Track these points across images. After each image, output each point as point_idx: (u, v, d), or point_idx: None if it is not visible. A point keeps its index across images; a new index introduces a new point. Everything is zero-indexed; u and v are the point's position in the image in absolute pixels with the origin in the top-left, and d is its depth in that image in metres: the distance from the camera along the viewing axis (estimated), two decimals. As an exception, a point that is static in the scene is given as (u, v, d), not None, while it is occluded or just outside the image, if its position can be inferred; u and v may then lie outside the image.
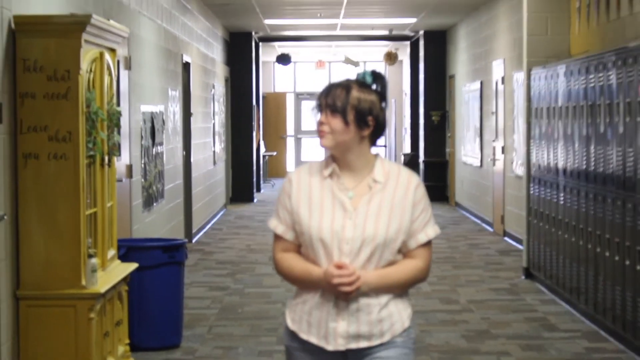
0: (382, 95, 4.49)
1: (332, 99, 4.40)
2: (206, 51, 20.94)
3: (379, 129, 4.45)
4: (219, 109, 23.54)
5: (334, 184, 4.43)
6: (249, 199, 26.46)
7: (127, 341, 9.32)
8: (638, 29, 11.24)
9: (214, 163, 22.30)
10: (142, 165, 12.92)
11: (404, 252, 4.44)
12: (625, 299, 9.86)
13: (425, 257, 4.45)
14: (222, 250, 17.45)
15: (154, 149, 13.75)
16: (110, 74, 8.86)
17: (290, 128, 36.90)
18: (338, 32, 27.12)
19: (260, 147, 29.38)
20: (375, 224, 4.35)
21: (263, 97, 32.07)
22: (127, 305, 9.40)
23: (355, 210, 4.37)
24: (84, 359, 7.98)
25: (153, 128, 13.65)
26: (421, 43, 27.16)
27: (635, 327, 9.56)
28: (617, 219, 10.11)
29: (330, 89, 4.45)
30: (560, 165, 12.43)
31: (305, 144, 38.42)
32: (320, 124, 4.44)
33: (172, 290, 10.17)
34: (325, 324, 4.35)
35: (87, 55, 8.11)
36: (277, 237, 4.53)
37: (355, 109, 4.39)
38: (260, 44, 29.34)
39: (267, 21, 24.00)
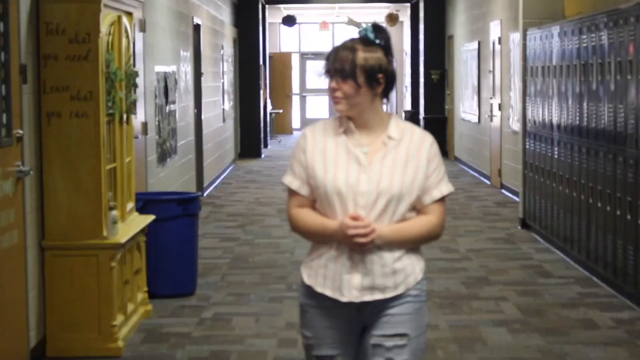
0: (387, 49, 4.34)
1: (340, 64, 4.23)
2: (215, 13, 20.83)
3: (389, 84, 4.32)
4: (228, 68, 23.54)
5: (349, 140, 4.27)
6: (257, 154, 26.50)
7: (146, 289, 9.48)
8: None
9: (223, 120, 22.33)
10: (157, 122, 12.97)
11: (418, 208, 4.30)
12: (616, 247, 9.94)
13: (440, 213, 4.32)
14: (232, 203, 17.51)
15: (167, 107, 13.80)
16: (127, 37, 8.96)
17: (295, 86, 36.91)
18: None
19: (267, 105, 29.42)
20: (390, 177, 4.21)
21: (269, 57, 32.02)
22: (145, 254, 9.54)
23: (370, 165, 4.22)
24: (105, 305, 8.10)
25: (166, 87, 13.69)
26: (421, 5, 27.15)
27: (626, 273, 9.64)
28: (609, 171, 10.17)
29: (337, 53, 4.28)
30: (555, 121, 12.48)
31: (310, 101, 38.49)
32: (332, 90, 4.27)
33: (187, 241, 10.22)
34: (340, 276, 4.23)
35: (106, 19, 8.18)
36: (292, 193, 4.38)
37: (364, 70, 4.21)
38: (267, 6, 29.29)
39: None
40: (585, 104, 11.12)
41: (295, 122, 36.44)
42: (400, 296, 4.23)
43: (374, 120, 4.28)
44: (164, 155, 13.53)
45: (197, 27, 17.44)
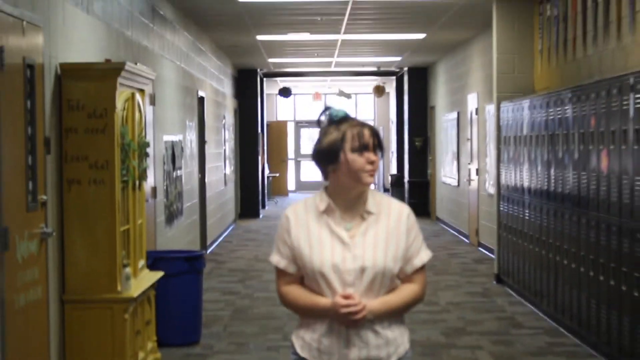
0: None
1: (379, 141, 4.10)
2: (218, 86, 20.90)
3: None
4: (229, 136, 23.46)
5: (330, 218, 4.10)
6: (256, 214, 26.41)
7: (155, 338, 9.40)
8: (591, 69, 11.29)
9: (225, 184, 22.24)
10: (165, 187, 12.98)
11: (401, 277, 4.16)
12: (581, 300, 9.96)
13: (422, 280, 4.19)
14: (233, 260, 17.44)
15: (174, 173, 13.78)
16: (139, 111, 8.95)
17: (290, 152, 36.72)
18: (333, 68, 27.10)
19: (264, 169, 29.26)
20: (373, 253, 4.05)
21: (267, 125, 31.88)
22: (155, 307, 9.47)
23: (352, 242, 4.06)
24: (119, 353, 8.05)
25: (173, 154, 13.69)
26: (405, 78, 27.15)
27: (590, 325, 9.65)
28: (574, 232, 10.20)
29: (372, 130, 4.10)
30: (526, 185, 12.50)
31: (304, 165, 38.22)
32: (374, 162, 4.07)
33: (193, 295, 10.21)
34: (337, 350, 4.06)
35: (121, 96, 8.21)
36: (280, 272, 4.20)
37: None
38: (265, 79, 29.24)
39: (271, 60, 23.99)
40: (552, 171, 11.14)
41: (291, 185, 36.39)
42: None
43: (357, 195, 4.11)
44: (171, 217, 13.52)
45: (201, 100, 17.46)
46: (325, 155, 4.07)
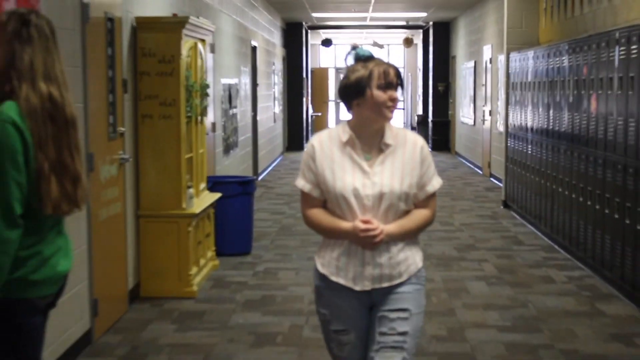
0: None
1: (399, 80, 3.91)
2: (268, 37, 20.86)
3: None
4: (278, 80, 23.43)
5: (351, 149, 3.89)
6: (301, 148, 26.25)
7: (214, 248, 9.65)
8: (586, 25, 11.30)
9: (274, 121, 22.28)
10: (223, 123, 13.10)
11: (414, 202, 3.95)
12: (572, 222, 10.09)
13: (433, 205, 4.03)
14: (280, 185, 17.51)
15: (230, 111, 13.91)
16: (201, 58, 9.07)
17: (331, 95, 36.72)
18: (368, 22, 26.82)
19: (308, 109, 29.21)
20: (390, 181, 3.85)
21: (311, 71, 31.71)
22: (214, 222, 9.70)
23: (372, 170, 3.86)
24: (184, 259, 8.30)
25: (230, 95, 13.79)
26: (431, 31, 27.02)
27: (578, 242, 9.80)
28: (568, 164, 10.31)
29: (395, 69, 3.92)
30: (529, 124, 12.54)
31: (342, 106, 38.30)
32: (396, 99, 3.88)
33: (245, 213, 10.29)
34: (353, 268, 3.90)
35: (185, 45, 8.34)
36: (304, 195, 3.98)
37: None
38: (309, 31, 29.04)
39: (314, 14, 23.82)
40: (551, 112, 11.21)
41: (331, 123, 36.28)
42: (404, 282, 3.95)
43: (376, 128, 3.92)
44: (228, 148, 13.65)
45: (254, 49, 17.49)
46: (352, 90, 3.88)
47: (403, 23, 27.51)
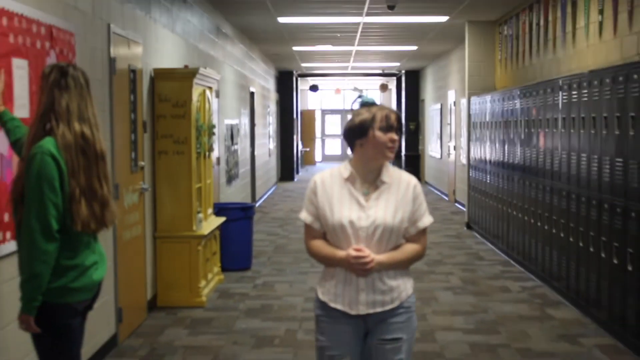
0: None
1: (399, 124, 3.72)
2: (264, 84, 20.83)
3: None
4: (272, 120, 23.38)
5: (351, 185, 3.71)
6: (292, 178, 26.31)
7: (219, 265, 9.60)
8: (535, 73, 11.28)
9: (269, 155, 22.17)
10: (226, 157, 13.06)
11: (406, 237, 3.74)
12: (525, 240, 10.09)
13: (423, 240, 3.79)
14: (275, 211, 17.36)
15: (232, 147, 13.86)
16: (209, 102, 9.07)
17: (318, 132, 36.62)
18: (349, 70, 26.84)
19: (298, 144, 29.22)
20: (384, 214, 3.65)
21: (300, 112, 31.75)
22: (219, 242, 9.68)
23: (367, 205, 3.67)
24: (194, 274, 8.30)
25: (232, 134, 13.77)
26: (403, 78, 26.98)
27: (530, 258, 9.80)
28: (520, 191, 10.28)
29: (395, 115, 3.73)
30: (488, 157, 12.49)
31: (328, 142, 37.96)
32: (395, 141, 3.69)
33: (246, 234, 10.23)
34: (349, 294, 3.69)
35: (196, 92, 8.39)
36: (307, 227, 3.80)
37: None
38: (299, 78, 29.12)
39: (303, 64, 23.80)
40: (506, 147, 11.18)
41: (318, 157, 36.28)
42: (396, 308, 3.72)
43: (376, 167, 3.75)
44: (230, 179, 13.60)
45: (252, 94, 17.47)
46: (356, 131, 3.70)
47: (379, 71, 27.51)
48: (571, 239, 8.20)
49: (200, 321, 7.74)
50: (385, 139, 3.66)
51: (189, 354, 6.66)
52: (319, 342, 3.79)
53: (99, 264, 3.90)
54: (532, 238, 9.79)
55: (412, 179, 3.79)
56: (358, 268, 3.60)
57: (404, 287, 3.74)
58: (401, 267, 3.73)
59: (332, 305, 3.72)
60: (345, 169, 3.75)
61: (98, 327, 6.33)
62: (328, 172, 3.81)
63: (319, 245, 3.75)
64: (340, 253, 3.66)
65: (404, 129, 3.41)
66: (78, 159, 3.72)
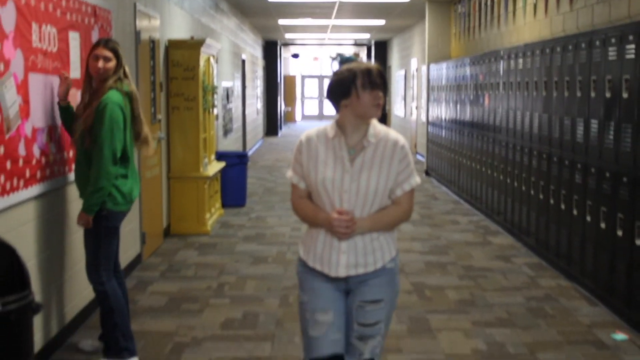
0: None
1: (384, 82, 3.18)
2: (253, 52, 20.92)
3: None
4: (260, 84, 23.42)
5: (337, 144, 3.18)
6: (276, 133, 26.50)
7: (220, 201, 9.89)
8: (482, 45, 11.50)
9: (257, 114, 22.32)
10: (223, 114, 13.18)
11: (391, 198, 3.20)
12: (472, 183, 10.47)
13: (409, 202, 3.23)
14: (263, 160, 17.52)
15: (228, 106, 13.98)
16: (212, 67, 9.36)
17: (298, 94, 36.68)
18: (326, 41, 26.95)
19: (282, 105, 29.24)
20: (368, 176, 3.13)
21: (283, 77, 31.77)
22: (220, 183, 9.93)
23: (352, 165, 3.15)
24: (201, 208, 8.63)
25: (227, 94, 13.89)
26: (373, 48, 27.07)
27: (476, 197, 10.17)
28: (469, 143, 10.62)
29: (379, 72, 3.18)
30: (443, 116, 12.73)
31: (307, 103, 38.09)
32: (380, 98, 3.15)
33: (241, 177, 10.46)
34: (329, 255, 3.20)
35: (202, 58, 8.66)
36: (294, 185, 3.31)
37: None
38: (282, 47, 29.11)
39: (287, 35, 23.80)
40: (458, 106, 11.45)
41: (298, 116, 36.40)
42: (378, 270, 3.22)
43: (363, 126, 3.21)
44: (226, 132, 13.76)
45: (243, 61, 17.55)
46: (339, 92, 3.19)
47: (352, 42, 27.61)
48: (508, 181, 8.69)
49: (206, 245, 8.16)
50: (369, 98, 3.16)
51: (200, 269, 7.13)
52: (301, 300, 3.33)
53: (137, 185, 4.69)
54: (478, 181, 10.18)
55: (399, 138, 3.24)
56: (339, 231, 3.13)
57: (387, 248, 3.26)
58: (385, 229, 3.23)
59: (311, 264, 3.27)
60: (331, 128, 3.24)
61: (128, 246, 6.79)
62: (314, 130, 3.30)
63: (303, 204, 3.29)
64: (322, 214, 3.20)
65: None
66: (138, 105, 4.59)
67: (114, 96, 4.46)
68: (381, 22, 19.04)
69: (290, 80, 34.72)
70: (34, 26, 4.45)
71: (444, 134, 12.73)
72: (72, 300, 5.26)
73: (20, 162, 4.27)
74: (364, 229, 3.15)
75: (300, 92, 37.85)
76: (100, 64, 4.48)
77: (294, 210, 3.35)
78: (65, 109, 4.66)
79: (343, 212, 3.12)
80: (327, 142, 3.22)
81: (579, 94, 6.46)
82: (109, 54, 4.52)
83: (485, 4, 11.48)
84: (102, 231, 4.51)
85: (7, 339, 2.94)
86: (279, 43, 27.22)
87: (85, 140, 4.43)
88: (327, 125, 3.27)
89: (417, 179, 3.25)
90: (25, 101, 4.33)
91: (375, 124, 3.23)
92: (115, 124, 4.41)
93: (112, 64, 4.53)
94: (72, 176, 5.09)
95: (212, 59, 9.42)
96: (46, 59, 4.65)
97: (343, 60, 3.34)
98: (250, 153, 19.00)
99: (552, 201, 7.17)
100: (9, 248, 3.05)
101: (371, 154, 3.17)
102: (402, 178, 3.20)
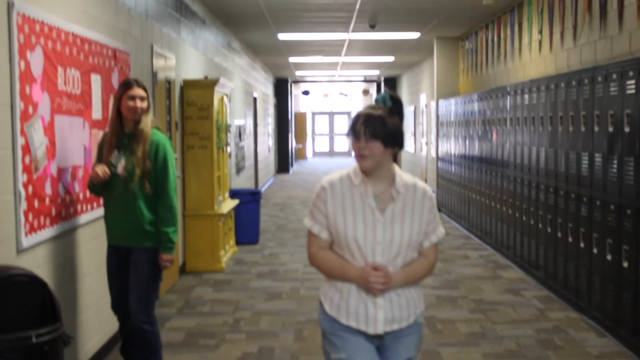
0: (400, 115, 3.02)
1: (371, 127, 2.92)
2: (264, 90, 21.03)
3: (400, 145, 3.03)
4: (271, 121, 23.53)
5: (363, 192, 2.98)
6: (287, 171, 26.52)
7: (234, 238, 9.99)
8: (490, 81, 11.65)
9: (269, 151, 22.42)
10: (235, 152, 13.26)
11: (419, 250, 3.07)
12: (482, 218, 10.51)
13: (435, 254, 3.11)
14: (274, 197, 17.66)
15: (240, 144, 14.09)
16: (225, 106, 9.49)
17: (309, 131, 36.79)
18: (336, 78, 27.01)
19: (293, 142, 29.34)
20: (401, 227, 2.97)
21: (294, 114, 31.83)
22: (234, 220, 10.05)
23: (383, 215, 2.96)
24: (215, 245, 8.73)
25: (240, 132, 14.03)
26: (382, 84, 27.07)
27: (487, 232, 10.23)
28: (478, 178, 10.71)
29: (368, 119, 2.94)
30: (452, 151, 12.82)
31: (317, 140, 38.20)
32: (360, 148, 2.95)
33: (254, 215, 10.61)
34: (365, 311, 2.99)
35: (216, 98, 8.80)
36: (312, 235, 3.08)
37: (390, 134, 2.96)
38: (293, 84, 29.22)
39: (297, 72, 23.93)
40: (467, 142, 11.56)
41: (309, 153, 36.47)
42: (411, 324, 3.08)
43: (385, 174, 3.01)
44: (239, 170, 13.84)
45: (255, 99, 17.68)
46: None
47: (362, 78, 27.68)
48: (517, 215, 8.81)
49: (221, 282, 8.30)
50: (354, 148, 3.00)
51: (216, 305, 7.27)
52: (333, 356, 3.07)
53: None
54: (487, 216, 10.28)
55: (427, 189, 3.11)
56: (376, 287, 2.94)
57: (418, 302, 3.12)
58: (416, 282, 3.10)
59: (344, 322, 3.03)
60: (355, 174, 3.03)
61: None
62: (337, 175, 3.07)
63: (327, 257, 3.05)
64: (353, 269, 2.98)
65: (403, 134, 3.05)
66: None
67: (161, 136, 4.63)
68: (390, 58, 19.17)
69: (301, 117, 34.84)
70: (60, 70, 4.69)
71: (453, 169, 12.82)
72: (92, 338, 5.43)
73: (47, 201, 4.48)
74: (399, 283, 3.01)
75: (311, 128, 37.96)
76: (138, 103, 4.56)
77: (313, 262, 3.10)
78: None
79: (379, 268, 2.94)
80: (352, 189, 3.02)
81: (583, 128, 6.65)
82: (143, 93, 4.61)
83: (492, 40, 11.68)
84: (157, 270, 4.63)
85: (40, 368, 3.13)
86: (289, 80, 27.35)
87: (144, 185, 4.51)
88: (349, 169, 3.07)
89: (442, 230, 3.15)
90: (52, 142, 4.55)
91: (399, 172, 3.07)
92: (171, 163, 4.60)
93: (146, 102, 4.63)
94: (93, 214, 5.29)
95: (225, 98, 9.60)
96: (70, 101, 4.89)
97: (377, 99, 3.08)
98: (262, 190, 19.01)
99: (559, 234, 7.32)
100: (41, 282, 3.25)
101: (401, 204, 3.02)
102: (430, 229, 3.09)
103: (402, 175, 3.07)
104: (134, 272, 4.58)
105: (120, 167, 4.55)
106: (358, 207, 2.99)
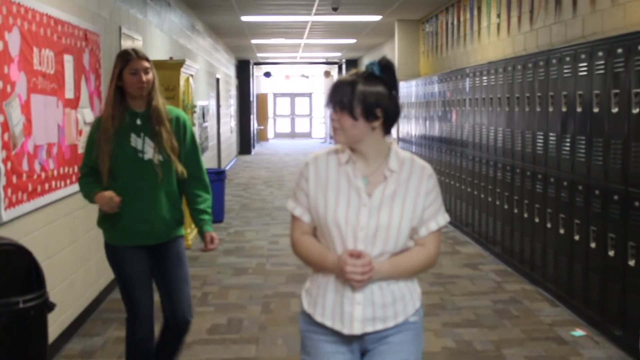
0: (390, 84, 2.55)
1: (339, 96, 2.50)
2: (227, 71, 21.08)
3: (389, 118, 2.55)
4: (233, 102, 23.53)
5: (350, 170, 2.56)
6: (249, 152, 26.50)
7: None
8: (449, 63, 11.85)
9: (231, 132, 22.48)
10: (199, 132, 12.94)
11: (414, 238, 2.58)
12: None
13: (436, 244, 2.59)
14: (237, 177, 17.66)
15: (204, 124, 13.98)
16: (190, 87, 9.50)
17: (270, 113, 36.71)
18: (298, 60, 27.16)
19: (254, 123, 29.27)
20: (389, 211, 2.51)
21: (256, 95, 31.80)
22: None
23: (370, 198, 2.52)
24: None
25: (203, 113, 13.94)
26: (344, 66, 27.32)
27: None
28: (438, 157, 10.86)
29: (338, 86, 2.53)
30: (413, 132, 12.94)
31: (278, 122, 38.05)
32: (332, 120, 2.54)
33: (219, 193, 10.58)
34: (341, 307, 2.55)
35: (182, 78, 8.86)
36: (295, 219, 2.67)
37: (362, 103, 2.48)
38: (255, 66, 29.24)
39: (259, 54, 24.03)
40: (427, 123, 11.67)
41: (270, 134, 36.47)
42: (400, 325, 2.60)
43: (372, 151, 2.56)
44: (203, 150, 13.51)
45: (217, 80, 17.77)
46: None
47: (323, 60, 27.86)
48: (475, 193, 9.06)
49: (189, 258, 7.99)
50: (331, 121, 2.60)
51: None
52: None
53: None
54: (447, 194, 10.48)
55: (426, 167, 2.63)
56: (354, 278, 2.46)
57: (410, 298, 2.63)
58: (406, 276, 2.60)
59: (319, 319, 2.62)
60: (342, 150, 2.63)
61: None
62: (324, 152, 2.67)
63: (307, 242, 2.64)
64: (332, 256, 2.54)
65: (395, 107, 2.54)
66: None
67: (179, 110, 3.95)
68: (352, 40, 19.30)
69: (262, 99, 34.86)
70: (35, 50, 4.82)
71: (414, 149, 12.97)
72: (65, 311, 5.57)
73: (24, 177, 4.63)
74: (382, 275, 2.52)
75: (272, 110, 37.93)
76: (143, 76, 3.78)
77: (295, 250, 2.68)
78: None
79: (356, 254, 2.46)
80: (338, 167, 2.60)
81: (538, 109, 6.92)
82: (146, 64, 3.81)
83: (452, 23, 11.87)
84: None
85: (27, 331, 3.31)
86: (251, 62, 27.41)
87: (177, 166, 3.83)
88: (338, 146, 2.65)
89: (445, 217, 2.65)
90: (28, 120, 4.69)
91: (396, 149, 2.62)
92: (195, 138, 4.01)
93: (151, 73, 3.84)
94: (67, 190, 5.43)
95: (191, 79, 9.68)
96: (45, 80, 5.02)
97: (366, 65, 2.63)
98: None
99: (516, 210, 7.60)
100: (26, 251, 3.41)
101: (394, 185, 2.56)
102: (429, 215, 2.59)
103: (399, 152, 2.62)
104: (178, 267, 3.91)
105: (151, 152, 3.76)
106: (343, 188, 2.56)
